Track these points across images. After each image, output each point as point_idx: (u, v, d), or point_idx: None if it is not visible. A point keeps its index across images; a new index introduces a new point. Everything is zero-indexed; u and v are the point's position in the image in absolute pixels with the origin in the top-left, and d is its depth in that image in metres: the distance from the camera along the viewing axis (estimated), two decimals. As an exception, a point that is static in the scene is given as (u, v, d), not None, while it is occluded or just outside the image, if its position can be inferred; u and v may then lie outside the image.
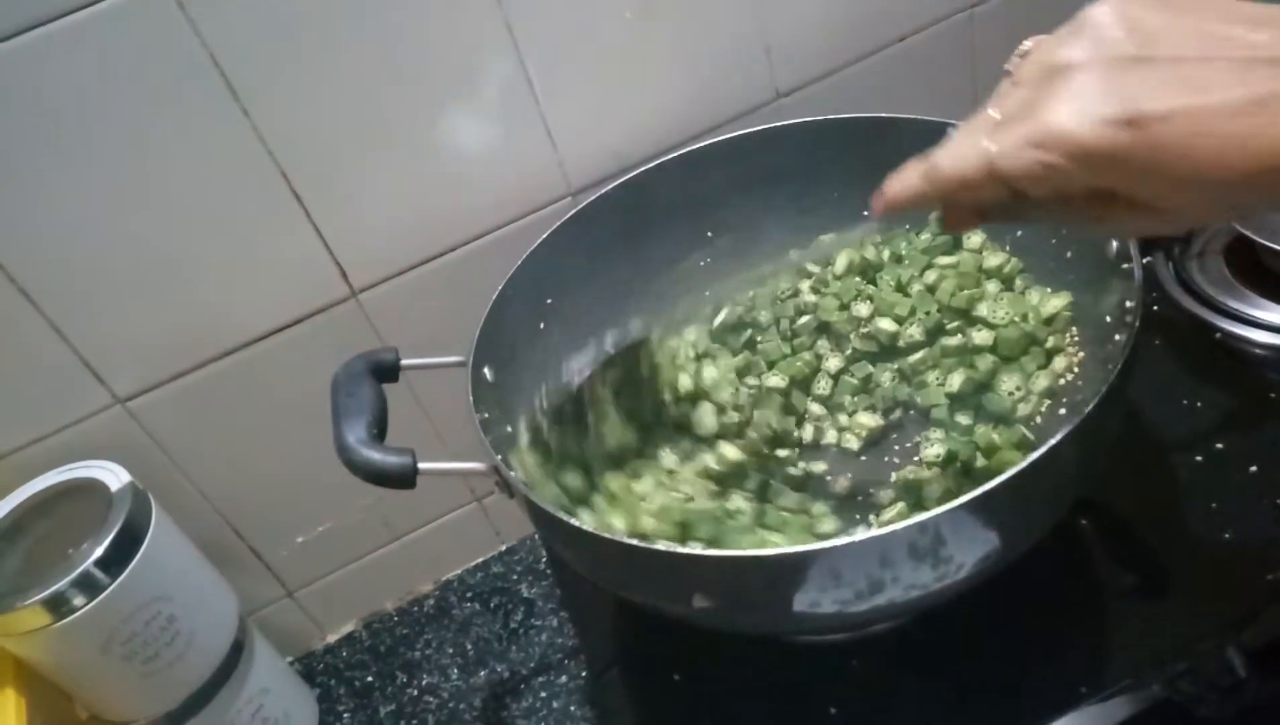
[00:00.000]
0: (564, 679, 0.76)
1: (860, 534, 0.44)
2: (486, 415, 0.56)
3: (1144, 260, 0.53)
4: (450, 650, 0.82)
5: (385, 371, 0.58)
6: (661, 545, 0.45)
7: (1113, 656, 0.57)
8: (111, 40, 0.56)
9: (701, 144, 0.72)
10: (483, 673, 0.79)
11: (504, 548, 0.89)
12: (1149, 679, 0.55)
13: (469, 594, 0.87)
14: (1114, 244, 0.54)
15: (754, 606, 0.50)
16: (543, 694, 0.76)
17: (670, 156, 0.72)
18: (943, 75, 0.82)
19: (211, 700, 0.68)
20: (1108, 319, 0.58)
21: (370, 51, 0.63)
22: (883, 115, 0.69)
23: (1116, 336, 0.55)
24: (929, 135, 0.64)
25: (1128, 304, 0.49)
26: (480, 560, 0.89)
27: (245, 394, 0.71)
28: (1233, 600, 0.57)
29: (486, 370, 0.60)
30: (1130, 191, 0.35)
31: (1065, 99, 0.34)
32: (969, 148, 0.37)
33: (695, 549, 0.48)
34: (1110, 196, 0.35)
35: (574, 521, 0.47)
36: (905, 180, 0.42)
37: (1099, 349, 0.61)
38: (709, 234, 0.75)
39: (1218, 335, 0.72)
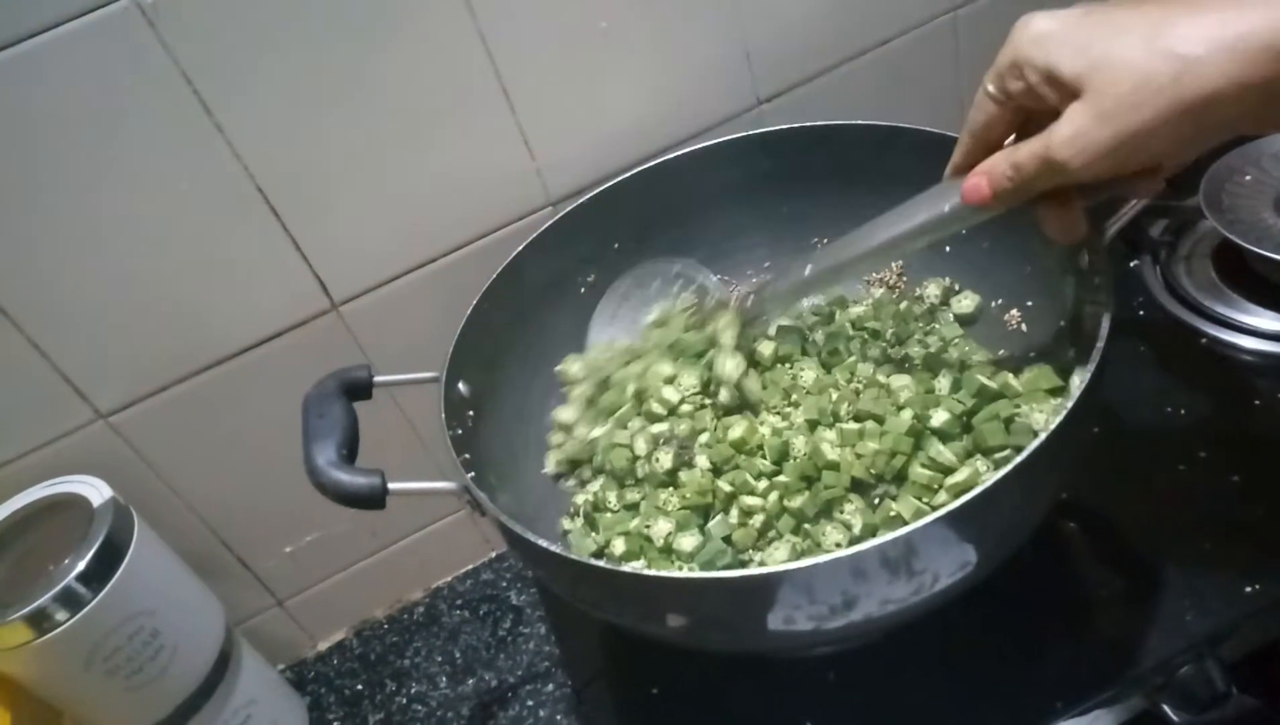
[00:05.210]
0: (550, 687, 0.76)
1: (830, 554, 0.44)
2: (460, 432, 0.56)
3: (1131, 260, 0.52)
4: (439, 658, 0.82)
5: (358, 389, 0.58)
6: (629, 567, 0.45)
7: (1093, 669, 0.57)
8: (83, 60, 0.56)
9: (681, 152, 0.72)
10: (471, 681, 0.80)
11: (493, 554, 0.89)
12: (1129, 692, 0.55)
13: (459, 601, 0.87)
14: (1085, 256, 0.54)
15: (728, 626, 0.50)
16: (529, 703, 0.76)
17: (650, 165, 0.71)
18: (927, 79, 0.81)
19: (199, 712, 0.68)
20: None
21: (343, 65, 0.63)
22: (866, 122, 0.68)
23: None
24: (913, 142, 0.66)
25: (1102, 328, 0.48)
26: (470, 568, 0.89)
27: (229, 406, 0.71)
28: (1213, 613, 0.57)
29: (461, 385, 0.60)
30: None
31: None
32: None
33: (665, 572, 0.48)
34: None
35: (543, 543, 0.47)
36: (997, 178, 0.47)
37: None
38: (690, 242, 0.75)
39: (1203, 341, 0.71)
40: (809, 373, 0.65)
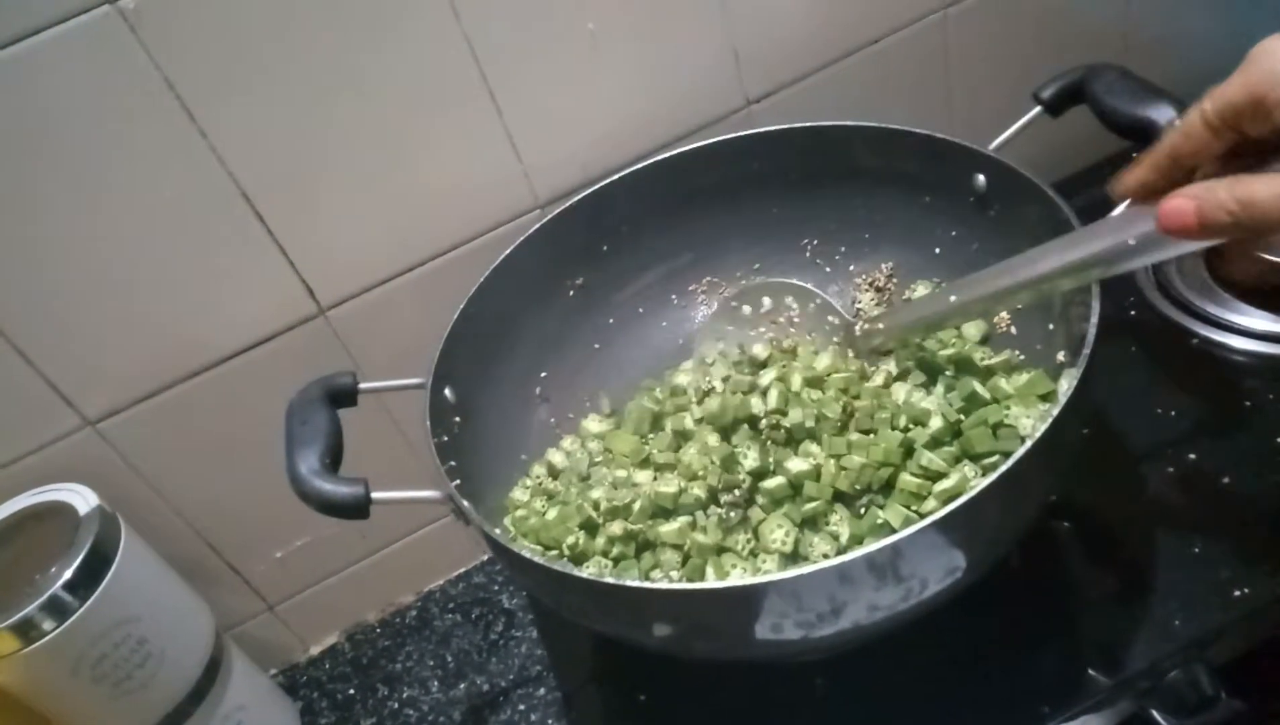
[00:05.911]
0: (542, 691, 0.76)
1: (816, 564, 0.44)
2: (445, 438, 0.56)
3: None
4: (431, 662, 0.82)
5: (343, 396, 0.58)
6: (613, 579, 0.45)
7: (1081, 673, 0.57)
8: (65, 66, 0.56)
9: (671, 153, 0.71)
10: (462, 685, 0.79)
11: (485, 558, 0.89)
12: (1118, 696, 0.55)
13: (450, 605, 0.86)
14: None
15: (715, 635, 0.50)
16: (521, 707, 0.76)
17: (638, 167, 0.71)
18: (917, 78, 0.81)
19: (188, 718, 0.68)
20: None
21: (328, 68, 0.62)
22: (856, 123, 0.68)
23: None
24: (904, 143, 0.65)
25: (1089, 333, 0.48)
26: (461, 571, 0.89)
27: (217, 412, 0.71)
28: (1202, 617, 0.56)
29: (448, 391, 0.60)
30: None
31: None
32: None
33: (649, 583, 0.47)
34: None
35: (526, 553, 0.47)
36: (1212, 207, 0.39)
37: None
38: (679, 244, 0.75)
39: (1195, 341, 0.71)
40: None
